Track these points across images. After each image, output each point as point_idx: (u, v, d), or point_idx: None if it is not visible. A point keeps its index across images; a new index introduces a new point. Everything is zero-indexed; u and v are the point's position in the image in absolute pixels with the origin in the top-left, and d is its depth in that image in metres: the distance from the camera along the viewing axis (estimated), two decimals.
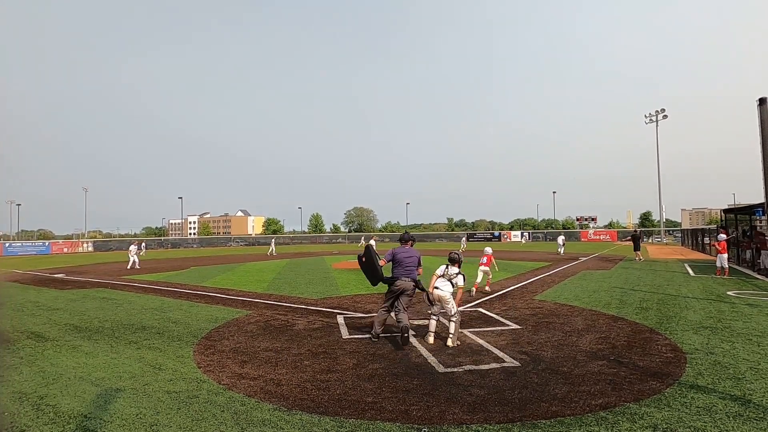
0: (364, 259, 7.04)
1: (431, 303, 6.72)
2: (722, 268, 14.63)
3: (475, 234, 77.10)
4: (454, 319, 6.42)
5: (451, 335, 6.40)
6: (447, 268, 6.63)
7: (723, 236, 15.25)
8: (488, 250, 12.83)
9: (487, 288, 12.21)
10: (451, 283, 6.55)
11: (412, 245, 7.09)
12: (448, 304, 6.48)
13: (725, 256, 14.81)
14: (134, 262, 23.01)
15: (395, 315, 6.66)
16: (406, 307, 6.71)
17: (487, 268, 12.26)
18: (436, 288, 6.56)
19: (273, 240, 44.78)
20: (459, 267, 6.67)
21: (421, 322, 7.87)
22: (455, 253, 6.85)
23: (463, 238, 50.14)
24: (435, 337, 6.62)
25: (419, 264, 6.93)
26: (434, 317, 6.70)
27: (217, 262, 26.85)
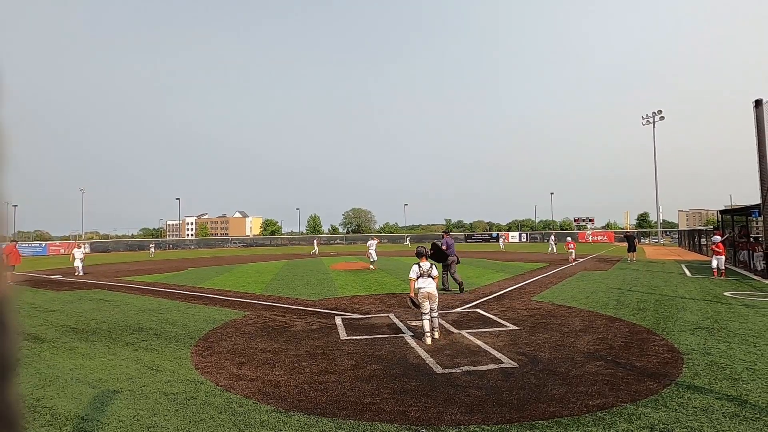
0: (432, 251, 9.80)
1: (417, 306, 6.85)
2: (719, 269, 14.55)
3: (473, 235, 77.16)
4: (435, 314, 6.84)
5: (436, 328, 6.84)
6: (419, 267, 6.90)
7: (717, 238, 15.21)
8: (569, 238, 26.45)
9: (573, 262, 22.16)
10: (431, 277, 6.89)
11: (446, 233, 12.25)
12: (435, 300, 6.80)
13: (722, 257, 14.72)
14: (79, 267, 20.26)
15: (452, 275, 11.16)
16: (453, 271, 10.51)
17: (572, 249, 23.83)
18: (423, 288, 6.79)
19: (315, 240, 44.23)
20: (428, 260, 7.04)
21: (417, 322, 7.87)
22: (421, 247, 7.33)
23: (502, 239, 49.04)
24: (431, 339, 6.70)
25: (452, 247, 11.80)
26: (426, 316, 6.78)
27: (214, 264, 26.80)
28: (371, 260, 20.32)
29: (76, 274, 19.90)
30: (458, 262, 11.92)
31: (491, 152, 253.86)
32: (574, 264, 21.51)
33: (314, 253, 37.63)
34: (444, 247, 11.36)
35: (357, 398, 4.47)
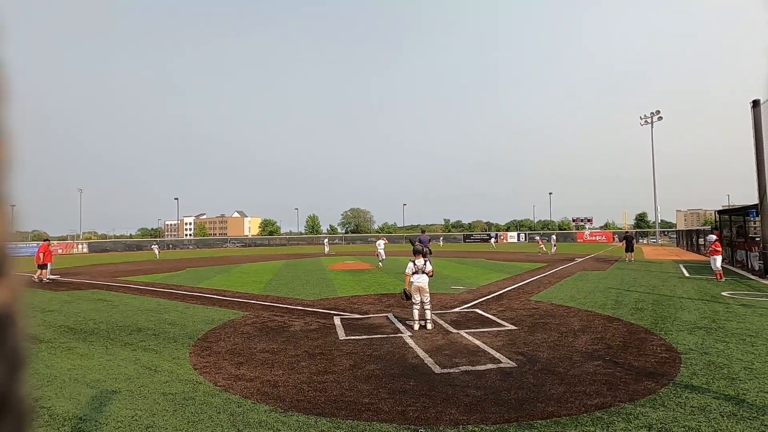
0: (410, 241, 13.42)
1: (408, 298, 7.62)
2: (717, 270, 13.81)
3: (471, 235, 77.20)
4: (428, 306, 7.53)
5: (428, 320, 7.50)
6: (414, 264, 7.53)
7: (714, 237, 14.63)
8: (537, 237, 41.75)
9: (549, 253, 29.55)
10: (425, 273, 7.53)
11: (423, 232, 17.34)
12: (426, 293, 7.49)
13: (720, 257, 13.97)
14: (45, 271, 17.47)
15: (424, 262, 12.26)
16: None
17: (541, 245, 34.34)
18: (415, 282, 7.48)
19: (326, 240, 44.73)
20: (424, 256, 7.67)
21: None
22: (419, 244, 8.09)
23: (493, 239, 53.46)
24: (420, 327, 7.45)
25: (429, 241, 16.71)
26: (416, 307, 7.54)
27: (213, 264, 26.76)
28: (380, 259, 20.82)
29: (35, 278, 17.16)
30: (430, 253, 16.21)
31: (490, 152, 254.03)
32: (550, 254, 28.26)
33: (328, 253, 38.28)
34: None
35: (356, 398, 4.47)
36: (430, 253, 16.41)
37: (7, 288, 0.37)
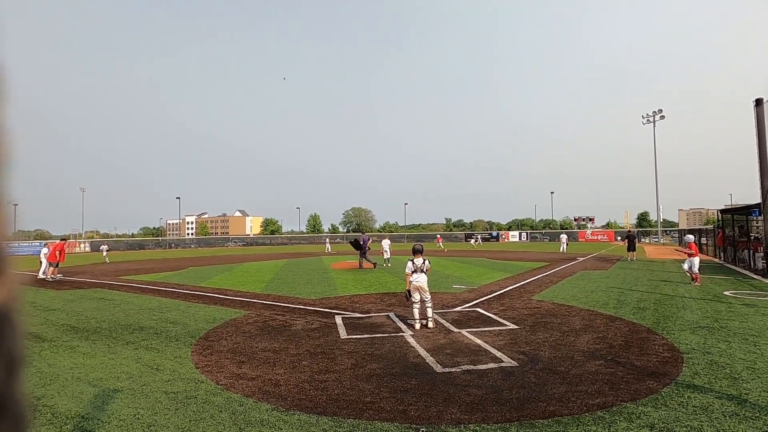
0: (354, 241, 19.43)
1: (409, 297, 7.68)
2: (692, 272, 12.66)
3: (473, 234, 77.10)
4: (429, 304, 7.63)
5: (430, 318, 7.56)
6: (413, 263, 7.63)
7: (690, 237, 13.43)
8: (438, 235, 51.31)
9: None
10: (423, 272, 7.63)
11: (363, 233, 21.53)
12: (425, 292, 7.57)
13: (697, 259, 12.68)
14: (46, 268, 17.40)
15: (366, 257, 19.26)
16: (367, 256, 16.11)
17: (440, 243, 45.46)
18: (415, 281, 7.58)
19: (327, 239, 45.96)
20: (422, 255, 7.72)
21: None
22: (419, 244, 8.14)
23: (474, 240, 52.97)
24: (421, 326, 7.50)
25: (369, 240, 20.05)
26: (416, 306, 7.61)
27: (215, 263, 26.80)
28: (385, 258, 21.42)
29: (39, 275, 17.40)
30: (368, 249, 19.72)
31: (491, 152, 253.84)
32: (560, 252, 30.23)
33: (328, 251, 38.93)
34: (361, 242, 19.46)
35: (357, 397, 4.47)
36: (368, 249, 19.68)
37: (4, 287, 0.37)
